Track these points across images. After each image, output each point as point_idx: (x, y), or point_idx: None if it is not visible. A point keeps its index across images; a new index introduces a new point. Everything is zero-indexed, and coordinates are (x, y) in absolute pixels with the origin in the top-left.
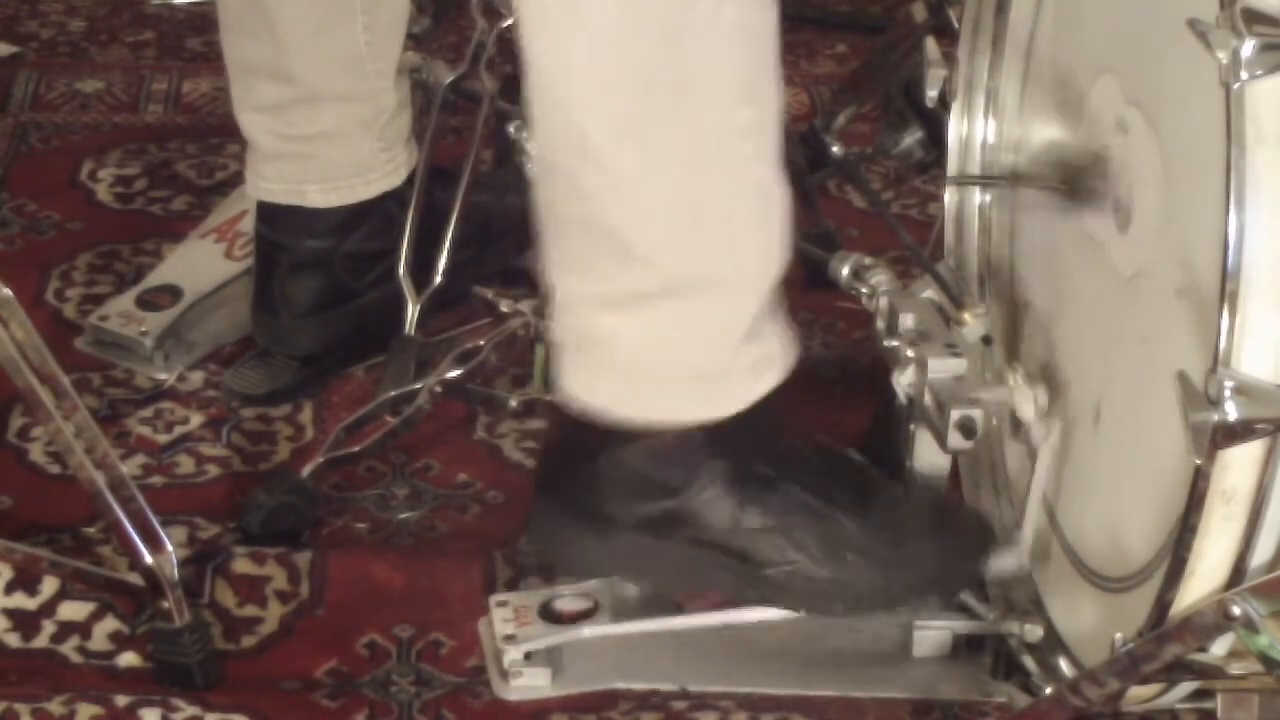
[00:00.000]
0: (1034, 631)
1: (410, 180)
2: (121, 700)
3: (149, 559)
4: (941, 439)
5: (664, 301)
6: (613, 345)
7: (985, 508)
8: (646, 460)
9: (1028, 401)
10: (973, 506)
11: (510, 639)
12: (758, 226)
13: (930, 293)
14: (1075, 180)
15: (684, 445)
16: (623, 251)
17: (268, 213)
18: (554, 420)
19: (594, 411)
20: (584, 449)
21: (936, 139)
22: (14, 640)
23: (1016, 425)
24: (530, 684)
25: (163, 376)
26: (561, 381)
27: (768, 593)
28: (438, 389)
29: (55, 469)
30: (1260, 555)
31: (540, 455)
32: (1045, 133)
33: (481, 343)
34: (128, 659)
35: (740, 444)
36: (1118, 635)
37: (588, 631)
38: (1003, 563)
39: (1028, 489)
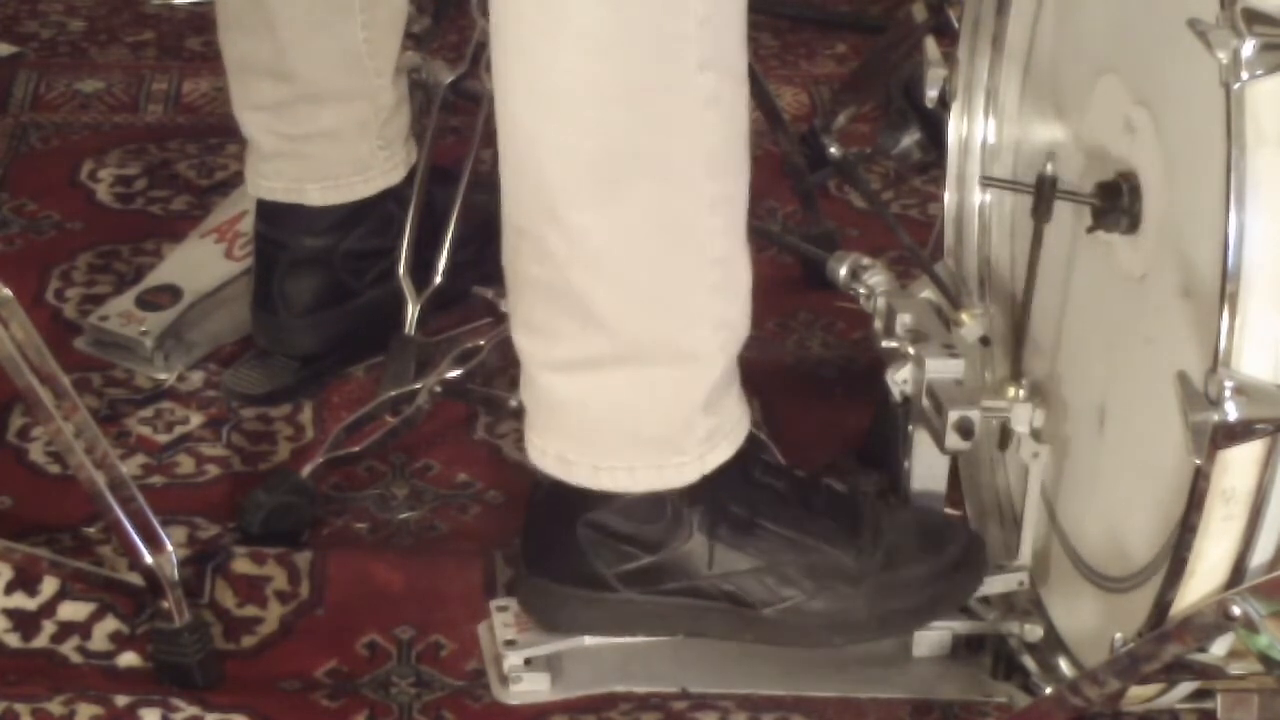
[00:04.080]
0: (1034, 631)
1: (410, 178)
2: (121, 700)
3: (149, 559)
4: (939, 439)
5: (620, 369)
6: (566, 409)
7: (988, 528)
8: (623, 519)
9: (1024, 419)
10: (963, 522)
11: (511, 644)
12: (720, 299)
13: (928, 293)
14: (1109, 196)
15: (657, 499)
16: (583, 316)
17: (267, 211)
18: (534, 487)
19: (546, 474)
20: (563, 514)
21: (936, 139)
22: (14, 640)
23: (1007, 437)
24: (530, 689)
25: (163, 376)
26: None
27: (764, 632)
28: (438, 389)
29: (55, 469)
30: (1260, 555)
31: (524, 525)
32: (1046, 132)
33: (481, 343)
34: (128, 659)
35: (713, 490)
36: (1118, 635)
37: (589, 640)
38: (1004, 582)
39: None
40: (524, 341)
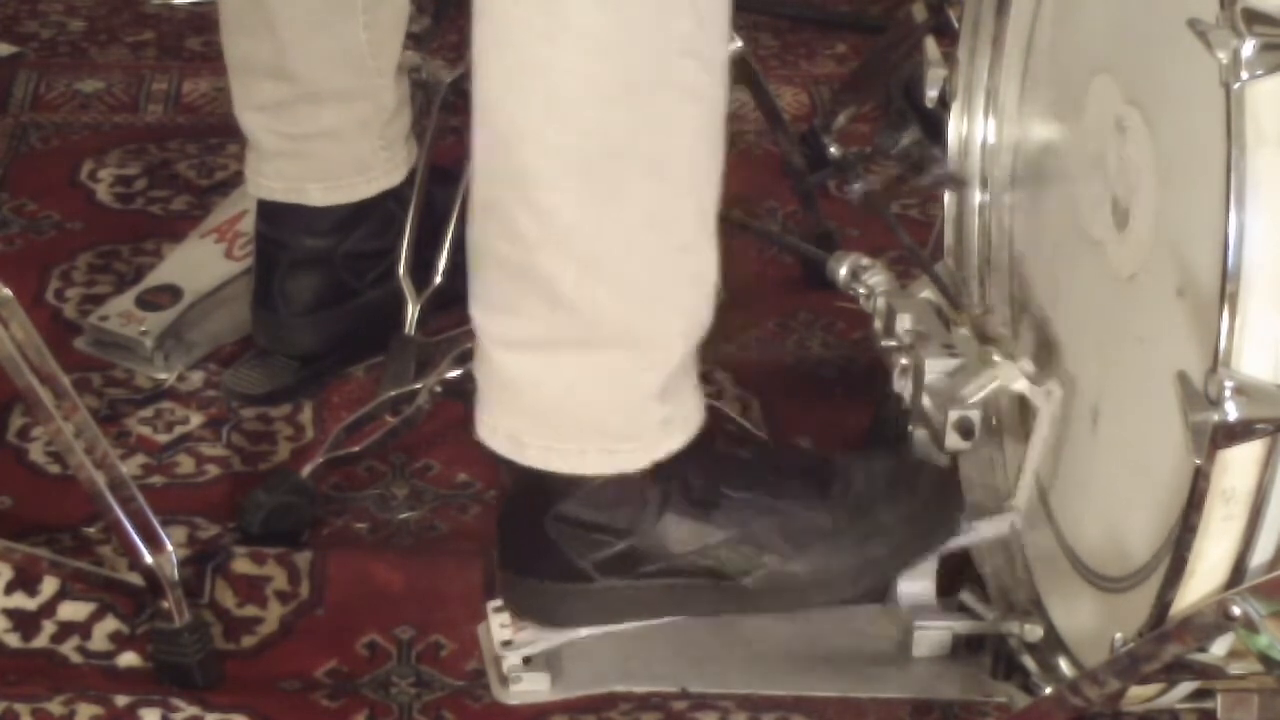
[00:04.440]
0: (1034, 631)
1: (410, 179)
2: (121, 700)
3: (149, 559)
4: (939, 439)
5: (578, 351)
6: (520, 388)
7: (985, 478)
8: (590, 509)
9: (1017, 375)
10: (935, 462)
11: (508, 644)
12: (684, 286)
13: (928, 293)
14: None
15: (620, 484)
16: (549, 298)
17: (268, 211)
18: (504, 488)
19: (496, 453)
20: (531, 511)
21: (936, 139)
22: (14, 640)
23: (1024, 409)
24: (530, 689)
25: (163, 376)
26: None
27: (747, 602)
28: (438, 389)
29: (55, 469)
30: (1260, 555)
31: (498, 527)
32: (1045, 133)
33: None
34: (128, 659)
35: (677, 467)
36: (1118, 635)
37: (585, 634)
38: (994, 527)
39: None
40: (482, 318)
